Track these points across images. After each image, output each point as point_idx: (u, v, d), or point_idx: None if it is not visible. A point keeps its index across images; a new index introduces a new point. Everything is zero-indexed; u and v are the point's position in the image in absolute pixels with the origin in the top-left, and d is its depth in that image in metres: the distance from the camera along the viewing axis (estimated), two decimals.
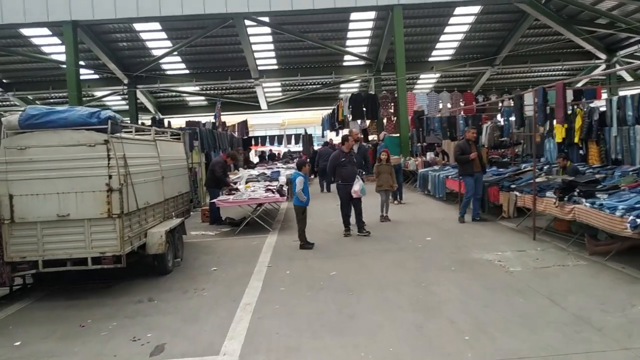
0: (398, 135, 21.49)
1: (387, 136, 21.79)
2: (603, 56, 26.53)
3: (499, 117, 21.66)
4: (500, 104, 21.48)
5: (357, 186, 9.91)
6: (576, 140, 12.95)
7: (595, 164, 12.29)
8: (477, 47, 27.06)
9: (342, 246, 9.34)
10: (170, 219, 9.01)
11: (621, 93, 24.71)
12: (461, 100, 23.05)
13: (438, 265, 7.61)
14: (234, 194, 12.06)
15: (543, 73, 30.63)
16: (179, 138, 11.09)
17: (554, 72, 30.37)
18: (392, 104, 23.18)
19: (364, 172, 10.59)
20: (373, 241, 9.63)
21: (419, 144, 18.63)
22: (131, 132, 8.03)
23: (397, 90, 21.42)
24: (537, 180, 9.81)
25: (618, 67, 25.91)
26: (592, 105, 12.68)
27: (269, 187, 12.51)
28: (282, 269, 7.97)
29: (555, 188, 8.08)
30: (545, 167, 13.30)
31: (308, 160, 9.98)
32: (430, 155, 18.10)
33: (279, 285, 7.04)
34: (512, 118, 17.28)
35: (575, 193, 7.62)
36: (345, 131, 20.43)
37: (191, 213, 14.68)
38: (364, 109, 22.88)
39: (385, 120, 24.09)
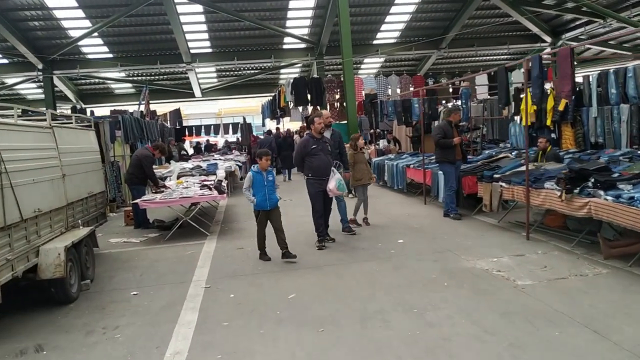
0: (345, 122, 19.91)
1: (334, 123, 20.18)
2: (548, 39, 25.96)
3: (444, 102, 20.53)
4: (450, 88, 20.36)
5: (332, 182, 7.70)
6: (548, 122, 11.77)
7: (571, 149, 11.13)
8: (424, 30, 25.82)
9: (298, 256, 7.36)
10: (76, 228, 6.97)
11: None
12: (411, 84, 21.68)
13: (425, 279, 6.00)
14: (162, 191, 10.10)
15: (489, 57, 29.87)
16: (90, 126, 8.97)
17: (499, 56, 29.69)
18: (338, 90, 21.54)
19: (339, 164, 8.35)
20: (335, 247, 7.90)
21: (371, 131, 17.06)
22: (12, 115, 5.93)
23: (343, 73, 19.78)
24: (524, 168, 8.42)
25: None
26: None
27: (205, 183, 10.60)
28: (224, 290, 6.14)
29: (560, 178, 6.62)
30: (514, 153, 12.04)
31: (269, 150, 7.70)
32: (383, 143, 16.60)
33: (221, 318, 5.22)
34: (473, 102, 16.08)
35: (590, 184, 6.16)
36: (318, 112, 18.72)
37: (113, 214, 12.63)
38: (308, 94, 21.12)
39: (328, 107, 22.42)
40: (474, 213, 9.68)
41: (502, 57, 29.96)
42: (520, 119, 13.16)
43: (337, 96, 21.66)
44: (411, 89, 21.31)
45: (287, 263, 7.10)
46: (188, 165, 14.53)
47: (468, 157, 11.73)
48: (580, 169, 6.47)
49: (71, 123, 8.02)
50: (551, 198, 6.89)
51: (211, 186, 10.04)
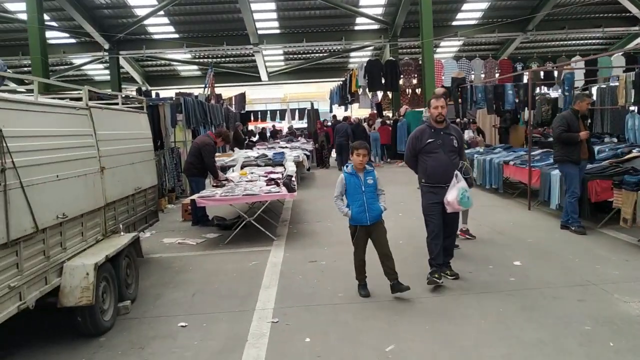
0: (422, 110, 18.09)
1: (410, 111, 18.44)
2: None
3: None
4: (542, 74, 18.25)
5: (453, 192, 5.33)
6: None
7: None
8: (508, 10, 23.52)
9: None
10: (116, 234, 5.66)
11: None
12: (497, 68, 19.55)
13: (576, 333, 4.26)
14: (223, 185, 8.78)
15: (579, 42, 27.16)
16: (141, 107, 7.67)
17: (591, 40, 26.94)
18: (416, 75, 19.70)
19: (466, 166, 5.69)
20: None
21: (457, 120, 15.12)
22: (31, 90, 4.59)
23: (422, 56, 17.94)
24: None
25: None
26: None
27: (272, 177, 9.19)
28: (296, 328, 4.64)
29: None
30: (635, 150, 9.99)
31: (365, 142, 5.55)
32: (468, 134, 14.68)
33: None
34: (576, 89, 13.94)
35: None
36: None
37: (172, 206, 11.54)
38: (382, 78, 19.36)
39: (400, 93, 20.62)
40: (600, 226, 7.79)
41: (594, 42, 27.21)
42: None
43: (415, 81, 19.85)
44: (497, 74, 19.20)
45: (377, 290, 5.48)
46: (253, 153, 13.20)
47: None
48: None
49: (117, 104, 6.72)
50: None
51: (279, 181, 8.61)
